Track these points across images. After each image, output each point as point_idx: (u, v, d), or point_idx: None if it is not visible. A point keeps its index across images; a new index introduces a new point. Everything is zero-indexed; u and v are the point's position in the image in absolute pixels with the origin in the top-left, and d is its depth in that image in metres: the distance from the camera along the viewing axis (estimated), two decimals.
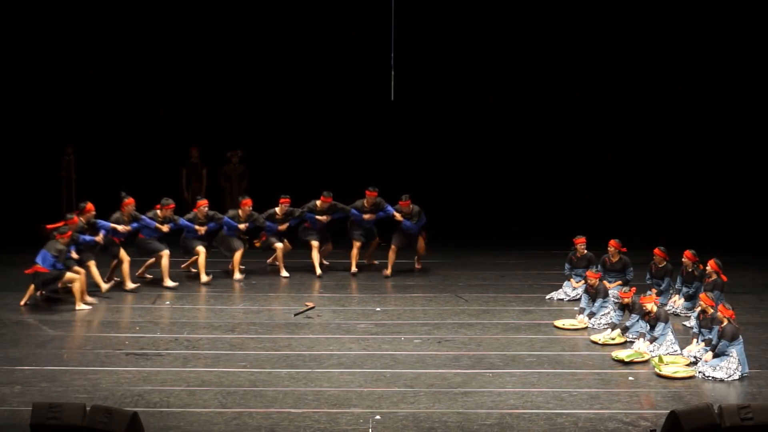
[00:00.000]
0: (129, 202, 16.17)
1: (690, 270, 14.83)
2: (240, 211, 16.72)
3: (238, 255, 16.59)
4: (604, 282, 14.83)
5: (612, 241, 15.58)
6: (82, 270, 15.11)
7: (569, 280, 15.80)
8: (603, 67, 21.38)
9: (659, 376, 12.05)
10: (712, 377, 11.91)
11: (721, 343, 12.00)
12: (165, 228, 16.31)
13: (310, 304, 15.04)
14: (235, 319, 14.37)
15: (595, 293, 14.32)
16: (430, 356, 12.76)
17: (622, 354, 12.71)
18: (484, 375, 12.09)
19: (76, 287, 14.87)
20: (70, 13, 21.16)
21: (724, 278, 14.17)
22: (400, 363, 12.46)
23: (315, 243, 16.89)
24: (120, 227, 15.94)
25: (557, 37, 21.46)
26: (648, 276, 15.19)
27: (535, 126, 21.67)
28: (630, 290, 13.38)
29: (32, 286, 14.95)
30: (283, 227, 16.85)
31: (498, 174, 21.59)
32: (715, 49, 21.25)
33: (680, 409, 9.39)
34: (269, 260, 17.34)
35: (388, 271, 16.84)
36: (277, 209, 16.83)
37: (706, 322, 12.59)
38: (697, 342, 12.68)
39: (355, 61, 21.25)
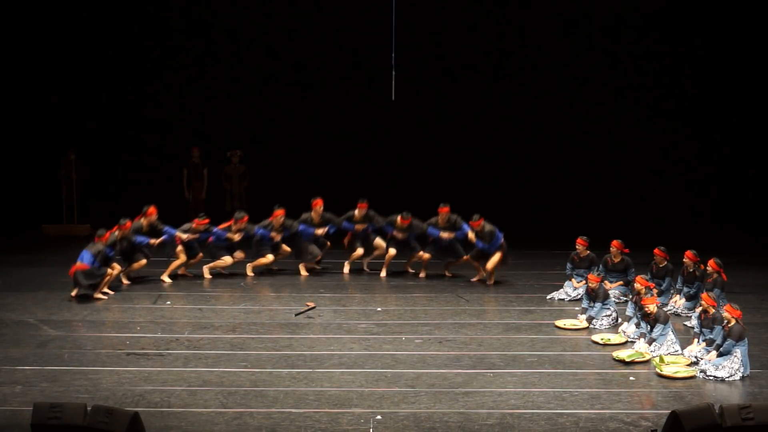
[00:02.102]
0: (203, 222, 16.69)
1: (691, 270, 14.84)
2: (313, 214, 16.78)
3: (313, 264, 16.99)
4: (605, 282, 14.82)
5: (614, 242, 15.59)
6: (117, 266, 15.80)
7: (570, 280, 15.80)
8: (605, 67, 21.39)
9: (660, 376, 12.04)
10: (714, 376, 11.90)
11: (727, 343, 12.00)
12: (236, 237, 16.66)
13: (311, 304, 15.04)
14: (236, 319, 14.37)
15: (595, 296, 14.31)
16: (431, 356, 12.76)
17: (623, 354, 12.70)
18: (485, 375, 12.08)
19: (111, 276, 15.59)
20: (71, 14, 21.17)
21: (725, 277, 14.18)
22: (401, 363, 12.46)
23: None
24: (185, 236, 16.54)
25: (558, 37, 21.48)
26: (649, 276, 15.19)
27: (537, 126, 21.69)
28: (653, 296, 13.33)
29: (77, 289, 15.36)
30: (360, 227, 16.93)
31: (499, 174, 21.60)
32: (716, 50, 21.25)
33: (681, 409, 9.38)
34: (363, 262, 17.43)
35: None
36: (356, 212, 16.86)
37: (707, 321, 12.59)
38: (698, 342, 12.68)
39: (355, 61, 21.28)
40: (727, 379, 11.89)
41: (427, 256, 16.79)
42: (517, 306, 15.18)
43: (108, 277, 15.61)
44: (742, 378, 11.94)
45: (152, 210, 16.49)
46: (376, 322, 14.30)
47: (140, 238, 16.24)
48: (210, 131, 21.40)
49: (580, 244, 15.83)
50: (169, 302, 15.21)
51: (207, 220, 16.75)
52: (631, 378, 12.04)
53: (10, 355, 12.52)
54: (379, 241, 17.12)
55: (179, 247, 16.63)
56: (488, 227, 16.06)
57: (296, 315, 14.57)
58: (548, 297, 15.73)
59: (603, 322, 14.14)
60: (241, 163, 20.48)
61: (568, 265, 15.93)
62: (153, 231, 16.45)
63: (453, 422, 10.53)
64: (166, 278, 16.60)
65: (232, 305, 15.15)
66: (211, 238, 16.71)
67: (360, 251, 17.13)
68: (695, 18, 21.20)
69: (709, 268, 14.29)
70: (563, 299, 15.61)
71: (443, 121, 21.83)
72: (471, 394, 11.39)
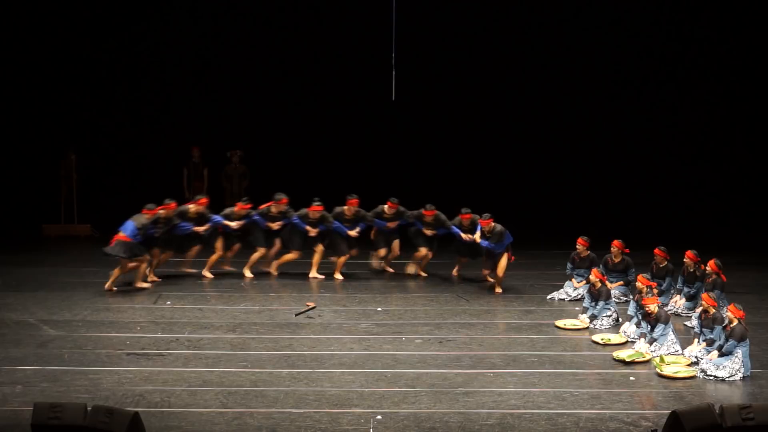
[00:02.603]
0: (246, 206, 16.65)
1: (691, 270, 14.84)
2: (346, 210, 16.58)
3: (342, 259, 16.80)
4: (606, 282, 14.83)
5: (615, 242, 15.60)
6: (155, 253, 16.16)
7: (571, 280, 15.80)
8: (606, 67, 21.40)
9: (660, 376, 12.04)
10: (714, 376, 11.90)
11: (728, 343, 12.00)
12: (275, 225, 16.57)
13: (311, 304, 15.04)
14: (237, 319, 14.36)
15: (597, 294, 14.31)
16: (432, 356, 12.76)
17: (624, 354, 12.70)
18: (486, 375, 12.08)
19: (142, 267, 15.75)
20: (72, 14, 21.17)
21: (724, 278, 14.18)
22: (401, 363, 12.46)
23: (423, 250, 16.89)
24: (233, 224, 16.49)
25: (559, 36, 21.47)
26: (649, 276, 15.18)
27: (538, 126, 21.70)
28: (654, 296, 13.32)
29: (117, 270, 15.60)
30: (392, 225, 16.83)
31: (500, 174, 21.61)
32: (717, 50, 21.25)
33: (681, 409, 9.38)
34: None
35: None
36: (385, 207, 16.68)
37: (707, 322, 12.59)
38: (699, 342, 12.68)
39: (356, 60, 21.28)
40: (727, 379, 11.89)
41: (424, 252, 16.76)
42: (518, 306, 15.18)
43: (144, 264, 15.73)
44: (743, 378, 11.95)
45: (204, 200, 16.54)
46: (377, 322, 14.30)
47: (184, 225, 16.27)
48: (210, 131, 21.40)
49: (581, 244, 15.83)
50: (169, 302, 15.21)
51: (250, 205, 16.63)
52: (632, 378, 12.04)
53: (10, 355, 12.52)
54: (397, 243, 16.94)
55: (219, 240, 16.59)
56: (498, 227, 15.80)
57: (296, 315, 14.57)
58: (548, 297, 15.73)
59: (603, 322, 14.14)
60: (241, 163, 20.49)
61: (569, 265, 15.93)
62: (200, 220, 16.43)
63: (453, 422, 10.53)
64: (207, 273, 16.68)
65: (232, 305, 15.15)
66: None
67: (383, 251, 17.01)
68: (697, 17, 21.19)
69: (708, 269, 14.29)
70: (563, 299, 15.62)
71: (444, 121, 21.83)
72: (471, 394, 11.39)
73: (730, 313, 12.17)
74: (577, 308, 14.91)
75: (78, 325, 13.87)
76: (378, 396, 11.27)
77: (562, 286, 15.84)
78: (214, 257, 16.82)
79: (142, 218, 15.68)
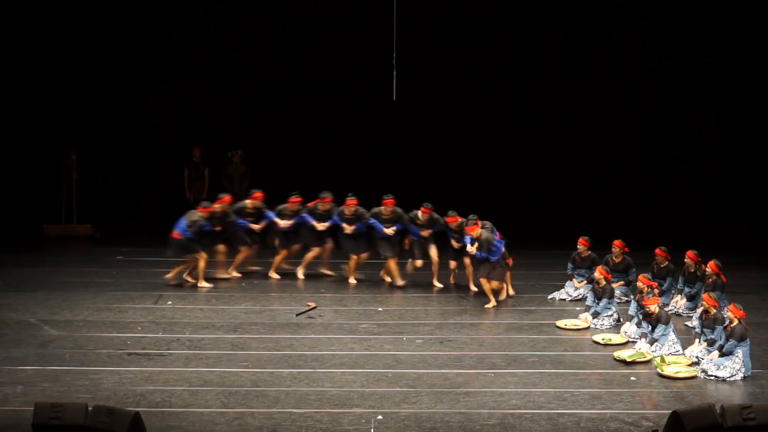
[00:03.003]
0: (295, 200, 16.47)
1: (692, 270, 14.83)
2: (382, 209, 16.13)
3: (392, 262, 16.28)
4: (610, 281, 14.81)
5: (616, 242, 15.59)
6: (222, 249, 16.28)
7: (571, 280, 15.80)
8: (607, 66, 21.38)
9: (661, 376, 12.04)
10: (715, 376, 11.90)
11: (729, 343, 12.00)
12: (321, 226, 16.33)
13: (312, 304, 15.04)
14: (237, 319, 14.36)
15: (602, 292, 14.31)
16: (432, 356, 12.76)
17: (624, 354, 12.70)
18: (486, 375, 12.08)
19: (201, 265, 15.87)
20: (72, 15, 21.17)
21: (724, 279, 14.18)
22: (402, 363, 12.46)
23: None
24: (282, 222, 16.36)
25: (560, 35, 21.46)
26: (650, 276, 15.18)
27: (538, 126, 21.68)
28: (655, 296, 13.31)
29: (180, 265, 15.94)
30: (426, 233, 16.09)
31: (500, 174, 21.59)
32: (717, 51, 21.25)
33: (682, 409, 9.38)
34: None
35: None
36: (419, 213, 15.99)
37: (708, 322, 12.60)
38: (699, 342, 12.68)
39: (357, 61, 21.26)
40: (728, 379, 11.90)
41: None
42: (518, 306, 15.18)
43: (202, 263, 15.86)
44: (744, 378, 11.95)
45: (259, 194, 16.47)
46: (377, 322, 14.30)
47: (241, 221, 16.28)
48: (211, 131, 21.40)
49: (582, 244, 15.83)
50: (170, 302, 15.21)
51: (300, 198, 16.45)
52: (633, 378, 12.04)
53: (11, 355, 12.52)
54: (434, 251, 16.24)
55: (276, 238, 16.57)
56: (484, 235, 14.97)
57: (297, 315, 14.57)
58: (549, 297, 15.73)
59: (604, 322, 14.14)
60: (242, 163, 20.48)
61: (569, 265, 15.93)
62: (257, 216, 16.42)
63: (454, 422, 10.53)
64: (274, 274, 16.70)
65: (233, 305, 15.14)
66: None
67: (419, 262, 16.26)
68: (698, 18, 21.18)
69: (708, 270, 14.28)
70: (564, 299, 15.61)
71: (444, 121, 21.82)
72: (472, 394, 11.40)
73: (730, 313, 12.18)
74: (578, 308, 14.91)
75: (79, 325, 13.87)
76: (379, 396, 11.28)
77: (562, 286, 15.83)
78: (278, 258, 16.70)
79: (195, 215, 15.82)
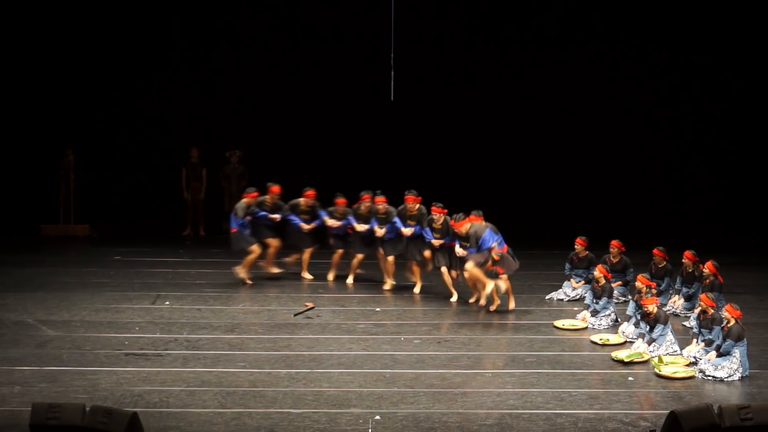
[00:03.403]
0: (341, 201, 16.38)
1: (690, 270, 14.84)
2: (408, 207, 15.75)
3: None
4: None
5: (614, 242, 15.60)
6: (273, 242, 16.31)
7: (569, 281, 15.80)
8: (604, 67, 21.39)
9: (659, 376, 12.04)
10: (713, 376, 11.91)
11: (726, 343, 12.00)
12: (360, 228, 16.15)
13: (310, 305, 15.03)
14: (235, 319, 14.36)
15: (601, 291, 14.31)
16: (430, 356, 12.76)
17: (622, 354, 12.70)
18: (484, 375, 12.09)
19: (251, 258, 16.06)
20: (70, 14, 21.15)
21: (721, 279, 14.19)
22: (399, 363, 12.46)
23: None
24: (330, 222, 16.29)
25: (557, 37, 21.46)
26: (648, 276, 15.17)
27: (535, 126, 21.67)
28: (653, 296, 13.30)
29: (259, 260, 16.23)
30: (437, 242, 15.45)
31: (498, 174, 21.58)
32: (716, 50, 21.25)
33: (680, 410, 9.38)
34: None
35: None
36: (434, 216, 15.52)
37: (706, 322, 12.60)
38: (697, 342, 12.69)
39: (354, 61, 21.26)
40: (726, 380, 11.90)
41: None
42: (516, 306, 15.17)
43: (272, 249, 16.12)
44: (741, 378, 11.95)
45: (311, 192, 16.43)
46: (375, 322, 14.30)
47: (295, 219, 16.30)
48: (209, 131, 21.39)
49: (579, 244, 15.84)
50: (167, 302, 15.20)
51: (344, 200, 16.29)
52: (630, 378, 12.04)
53: (8, 355, 12.51)
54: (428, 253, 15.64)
55: (331, 239, 16.54)
56: (473, 228, 14.54)
57: (295, 315, 14.57)
58: (547, 297, 15.73)
59: (602, 321, 14.14)
60: (240, 164, 20.48)
61: (567, 265, 15.93)
62: (311, 213, 16.42)
63: (452, 422, 10.53)
64: (332, 277, 16.69)
65: (230, 305, 15.14)
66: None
67: (455, 273, 15.45)
68: (694, 19, 21.19)
69: (706, 270, 14.29)
70: (562, 299, 15.62)
71: (442, 121, 21.81)
72: (470, 395, 11.40)
73: (727, 313, 12.18)
74: (575, 308, 14.91)
75: (76, 326, 13.86)
76: (377, 396, 11.27)
77: (560, 287, 15.84)
78: (337, 256, 16.63)
79: (240, 204, 15.98)
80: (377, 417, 10.63)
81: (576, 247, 15.85)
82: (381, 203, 16.00)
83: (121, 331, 13.63)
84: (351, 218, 16.27)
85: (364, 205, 16.21)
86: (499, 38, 21.47)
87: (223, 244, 19.43)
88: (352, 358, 12.62)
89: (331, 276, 16.72)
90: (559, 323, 14.22)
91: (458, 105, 21.75)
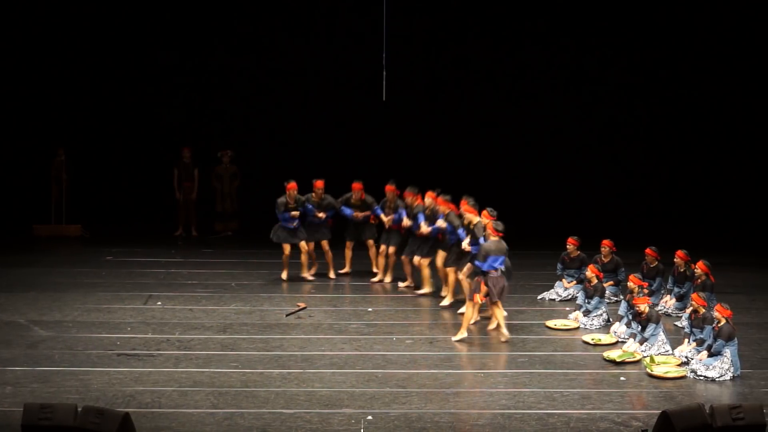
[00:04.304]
0: (358, 186, 16.49)
1: (682, 270, 14.86)
2: (427, 202, 15.63)
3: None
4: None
5: (605, 241, 15.61)
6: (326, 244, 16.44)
7: (561, 281, 15.82)
8: (598, 67, 21.39)
9: (650, 376, 12.06)
10: (704, 376, 11.93)
11: (717, 343, 12.03)
12: (388, 219, 16.25)
13: (302, 305, 15.03)
14: (227, 319, 14.35)
15: (593, 290, 14.33)
16: (422, 356, 12.77)
17: (614, 354, 12.72)
18: (476, 375, 12.10)
19: (303, 258, 16.35)
20: (62, 14, 21.11)
21: (713, 279, 14.21)
22: (391, 363, 12.46)
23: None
24: (385, 217, 16.30)
25: (550, 36, 21.46)
26: (640, 276, 15.19)
27: (528, 127, 21.66)
28: (645, 296, 13.31)
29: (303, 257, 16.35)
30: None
31: (490, 174, 21.57)
32: (711, 51, 21.27)
33: (672, 409, 9.40)
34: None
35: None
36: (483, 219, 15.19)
37: (697, 322, 12.62)
38: (689, 342, 12.71)
39: (346, 61, 21.24)
40: (717, 379, 11.92)
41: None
42: (508, 306, 15.14)
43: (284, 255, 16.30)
44: (733, 378, 11.97)
45: (357, 185, 16.47)
46: (367, 322, 14.30)
47: (347, 210, 16.38)
48: (201, 131, 21.37)
49: (571, 244, 15.85)
50: (159, 303, 15.19)
51: (395, 190, 16.28)
52: (622, 378, 12.06)
53: (0, 356, 12.49)
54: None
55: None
56: (486, 235, 14.01)
57: (287, 315, 14.57)
58: (539, 297, 15.75)
59: (594, 321, 14.16)
60: (232, 164, 20.47)
61: (559, 266, 15.95)
62: (362, 207, 16.47)
63: (444, 422, 10.54)
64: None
65: (222, 305, 15.13)
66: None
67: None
68: (688, 19, 21.21)
69: (697, 270, 14.31)
70: (554, 299, 15.63)
71: (434, 121, 21.80)
72: (462, 395, 11.41)
73: (718, 313, 12.20)
74: (567, 308, 14.92)
75: (68, 326, 13.84)
76: (369, 396, 11.28)
77: (552, 287, 15.85)
78: (373, 253, 16.67)
79: (282, 199, 16.10)
80: (369, 417, 10.64)
81: (568, 246, 15.87)
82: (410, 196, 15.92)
83: (113, 332, 13.62)
84: (377, 208, 16.44)
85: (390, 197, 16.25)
86: (491, 38, 21.46)
87: (215, 244, 19.49)
88: (344, 359, 12.62)
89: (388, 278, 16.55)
90: (551, 323, 14.24)
91: (450, 105, 21.75)
